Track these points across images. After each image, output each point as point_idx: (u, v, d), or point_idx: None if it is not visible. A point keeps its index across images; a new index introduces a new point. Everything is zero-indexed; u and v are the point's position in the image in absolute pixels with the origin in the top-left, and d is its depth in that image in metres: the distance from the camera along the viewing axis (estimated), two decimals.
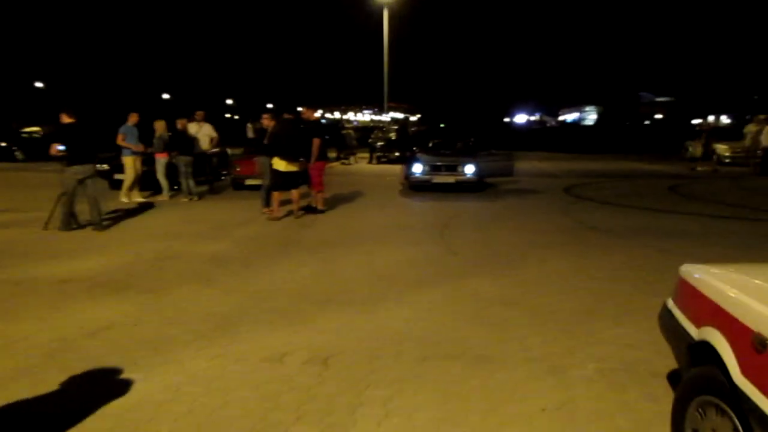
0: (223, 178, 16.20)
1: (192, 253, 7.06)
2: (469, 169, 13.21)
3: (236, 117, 61.18)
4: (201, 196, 12.30)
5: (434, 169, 13.36)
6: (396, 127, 16.04)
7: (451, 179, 13.23)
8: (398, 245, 7.59)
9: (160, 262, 6.58)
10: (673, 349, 3.06)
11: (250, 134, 27.20)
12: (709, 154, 19.81)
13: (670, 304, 3.11)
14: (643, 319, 4.46)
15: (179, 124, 11.68)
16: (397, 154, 23.51)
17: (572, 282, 5.81)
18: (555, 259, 6.78)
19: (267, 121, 10.27)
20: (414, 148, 15.31)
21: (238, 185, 13.77)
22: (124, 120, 11.47)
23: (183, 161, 11.67)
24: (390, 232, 8.53)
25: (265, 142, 9.62)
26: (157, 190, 12.37)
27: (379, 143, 24.36)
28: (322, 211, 10.20)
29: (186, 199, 11.79)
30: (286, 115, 9.48)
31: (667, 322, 3.06)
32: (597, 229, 8.80)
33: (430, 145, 16.20)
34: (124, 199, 11.44)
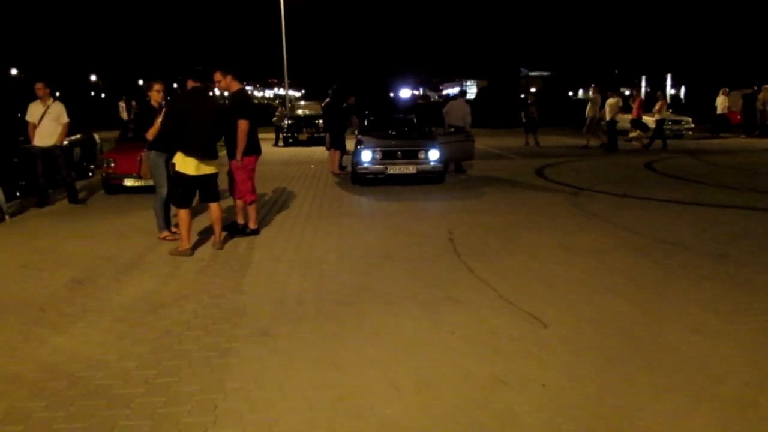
0: (90, 175, 11.91)
1: (15, 387, 3.36)
2: (434, 155, 10.15)
3: (102, 95, 53.15)
4: (12, 214, 7.94)
5: (388, 156, 10.15)
6: (325, 102, 12.43)
7: (411, 169, 10.09)
8: (427, 307, 4.35)
9: None
10: None
11: (124, 115, 22.22)
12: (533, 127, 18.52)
13: None
14: None
15: None
16: (304, 136, 19.89)
17: None
18: (718, 327, 3.94)
19: (158, 95, 6.46)
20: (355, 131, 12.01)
21: (112, 188, 9.70)
22: None
23: None
24: (384, 271, 5.27)
25: (159, 125, 5.85)
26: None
27: (288, 122, 20.56)
28: (255, 232, 6.66)
29: None
30: (192, 83, 5.77)
31: None
32: (671, 243, 6.14)
33: (366, 123, 12.92)
34: None
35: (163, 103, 6.23)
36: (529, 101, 18.85)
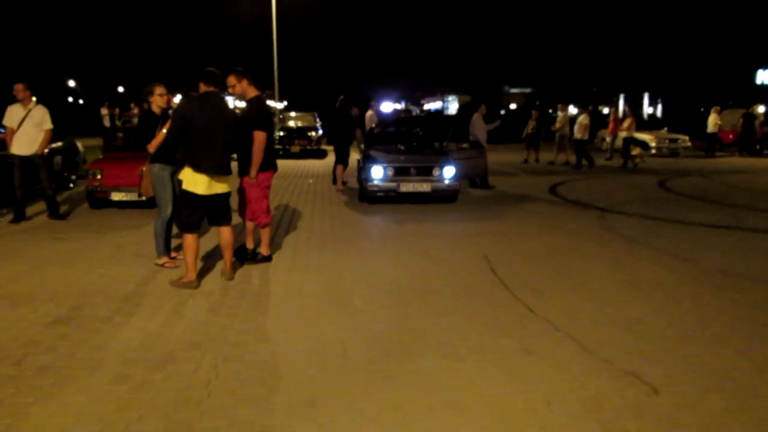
0: (71, 186, 10.95)
1: None
2: (449, 172, 9.43)
3: (80, 101, 51.45)
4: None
5: (401, 172, 9.38)
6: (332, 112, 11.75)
7: (425, 187, 9.35)
8: (503, 364, 3.55)
9: None
10: None
11: (106, 122, 21.11)
12: None
13: None
14: None
15: None
16: (297, 148, 19.05)
17: None
18: None
19: (161, 99, 5.61)
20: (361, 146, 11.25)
21: (98, 201, 8.75)
22: None
23: None
24: (432, 312, 4.48)
25: (167, 135, 5.02)
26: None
27: (279, 133, 19.69)
28: (268, 258, 5.82)
29: None
30: (204, 87, 4.95)
31: None
32: (739, 275, 5.46)
33: (370, 136, 12.16)
34: None
35: (170, 112, 5.39)
36: (533, 116, 18.28)
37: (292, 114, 22.64)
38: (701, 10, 35.66)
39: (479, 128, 11.74)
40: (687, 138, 21.59)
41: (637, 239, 7.07)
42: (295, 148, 19.25)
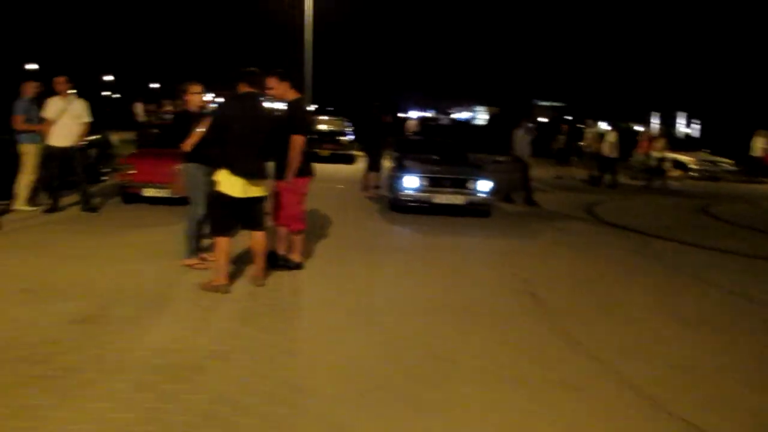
0: (103, 179, 10.98)
1: None
2: (485, 186, 9.19)
3: (115, 96, 52.36)
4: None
5: (434, 183, 9.18)
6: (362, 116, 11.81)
7: (459, 200, 9.12)
8: (541, 398, 3.32)
9: None
10: None
11: (141, 117, 21.35)
12: None
13: None
14: None
15: None
16: (326, 152, 18.92)
17: None
18: None
19: (196, 96, 5.51)
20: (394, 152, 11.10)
21: (129, 197, 8.73)
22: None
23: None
24: (467, 335, 4.26)
25: (206, 135, 4.91)
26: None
27: (311, 136, 19.63)
28: (299, 266, 5.67)
29: None
30: (244, 87, 4.83)
31: None
32: None
33: (400, 145, 11.99)
34: (24, 207, 7.56)
35: (208, 108, 5.30)
36: (562, 131, 17.90)
37: (323, 118, 22.61)
38: (743, 29, 34.76)
39: (521, 143, 11.45)
40: (731, 162, 20.83)
41: (683, 269, 6.75)
42: (325, 152, 19.13)
